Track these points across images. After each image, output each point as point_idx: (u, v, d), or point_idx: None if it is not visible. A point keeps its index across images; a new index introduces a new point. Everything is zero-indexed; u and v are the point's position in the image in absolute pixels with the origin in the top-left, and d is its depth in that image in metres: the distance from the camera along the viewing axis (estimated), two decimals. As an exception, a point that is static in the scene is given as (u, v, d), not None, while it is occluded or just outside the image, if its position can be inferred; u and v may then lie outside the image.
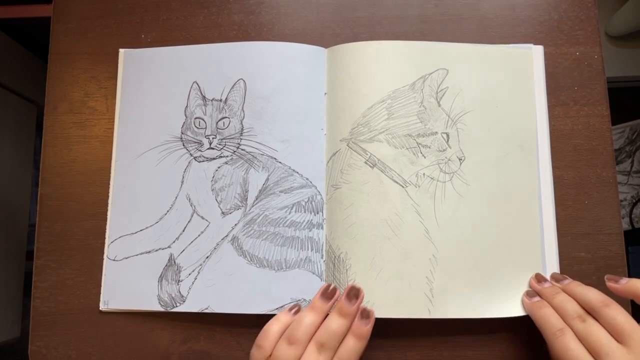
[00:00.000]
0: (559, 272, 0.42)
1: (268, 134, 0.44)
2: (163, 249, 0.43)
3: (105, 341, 0.44)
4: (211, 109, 0.45)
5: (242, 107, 0.45)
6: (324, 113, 0.44)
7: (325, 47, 0.45)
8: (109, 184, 0.45)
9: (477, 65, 0.44)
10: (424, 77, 0.43)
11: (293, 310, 0.39)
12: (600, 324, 0.35)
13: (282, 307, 0.41)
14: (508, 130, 0.43)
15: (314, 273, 0.42)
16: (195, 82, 0.45)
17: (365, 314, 0.37)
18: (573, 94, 0.46)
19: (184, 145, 0.45)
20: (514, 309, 0.40)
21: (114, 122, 0.46)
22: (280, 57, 0.45)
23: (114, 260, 0.44)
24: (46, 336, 0.44)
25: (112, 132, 0.46)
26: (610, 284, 0.37)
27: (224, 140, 0.44)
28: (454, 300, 0.40)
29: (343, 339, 0.36)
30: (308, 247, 0.42)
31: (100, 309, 0.44)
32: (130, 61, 0.47)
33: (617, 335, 0.34)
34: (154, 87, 0.46)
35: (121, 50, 0.47)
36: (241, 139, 0.44)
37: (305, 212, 0.43)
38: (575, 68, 0.46)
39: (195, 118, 0.45)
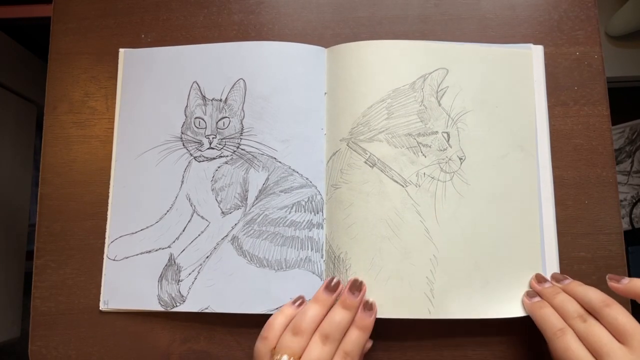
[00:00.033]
0: (559, 272, 0.42)
1: (268, 134, 0.44)
2: (163, 248, 0.43)
3: (105, 341, 0.44)
4: (211, 109, 0.45)
5: (242, 107, 0.45)
6: (324, 113, 0.44)
7: (325, 47, 0.45)
8: (109, 184, 0.45)
9: (477, 65, 0.44)
10: (424, 77, 0.43)
11: (297, 303, 0.39)
12: (602, 324, 0.35)
13: (282, 307, 0.41)
14: (508, 130, 0.43)
15: (314, 273, 0.42)
16: (195, 82, 0.45)
17: (368, 306, 0.38)
18: (573, 93, 0.46)
19: (184, 145, 0.45)
20: (514, 309, 0.40)
21: (114, 122, 0.46)
22: (280, 57, 0.45)
23: (114, 260, 0.44)
24: (46, 336, 0.44)
25: (112, 132, 0.46)
26: (611, 284, 0.37)
27: (224, 140, 0.44)
28: (454, 300, 0.40)
29: (346, 331, 0.37)
30: (308, 247, 0.42)
31: (100, 309, 0.44)
32: (130, 61, 0.47)
33: (619, 336, 0.34)
34: (154, 87, 0.46)
35: (121, 50, 0.47)
36: (241, 138, 0.44)
37: (305, 212, 0.43)
38: (575, 68, 0.46)
39: (195, 118, 0.45)
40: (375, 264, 0.41)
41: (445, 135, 0.43)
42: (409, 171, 0.42)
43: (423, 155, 0.42)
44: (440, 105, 0.43)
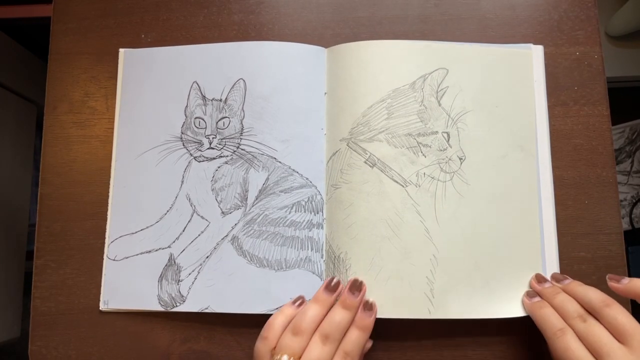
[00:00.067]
0: (559, 272, 0.42)
1: (268, 134, 0.44)
2: (163, 248, 0.43)
3: (105, 341, 0.44)
4: (211, 109, 0.45)
5: (242, 107, 0.45)
6: (324, 113, 0.44)
7: (325, 47, 0.45)
8: (109, 184, 0.45)
9: (477, 65, 0.44)
10: (424, 77, 0.43)
11: (297, 303, 0.39)
12: (602, 324, 0.35)
13: (282, 307, 0.41)
14: (508, 130, 0.43)
15: (314, 273, 0.42)
16: (195, 82, 0.45)
17: (368, 306, 0.38)
18: (573, 93, 0.46)
19: (184, 145, 0.45)
20: (514, 310, 0.40)
21: (114, 122, 0.46)
22: (280, 57, 0.45)
23: (114, 260, 0.44)
24: (46, 336, 0.44)
25: (112, 132, 0.46)
26: (612, 284, 0.37)
27: (224, 140, 0.44)
28: (455, 300, 0.40)
29: (347, 331, 0.37)
30: (308, 247, 0.42)
31: (100, 308, 0.44)
32: (130, 61, 0.47)
33: (619, 336, 0.34)
34: (154, 87, 0.46)
35: (121, 50, 0.47)
36: (241, 138, 0.44)
37: (305, 212, 0.43)
38: (575, 68, 0.46)
39: (195, 118, 0.45)
40: (375, 264, 0.41)
41: (445, 135, 0.43)
42: (409, 171, 0.42)
43: (423, 155, 0.42)
44: (440, 105, 0.43)
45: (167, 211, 0.44)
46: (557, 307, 0.37)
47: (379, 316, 0.39)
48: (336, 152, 0.43)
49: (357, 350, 0.36)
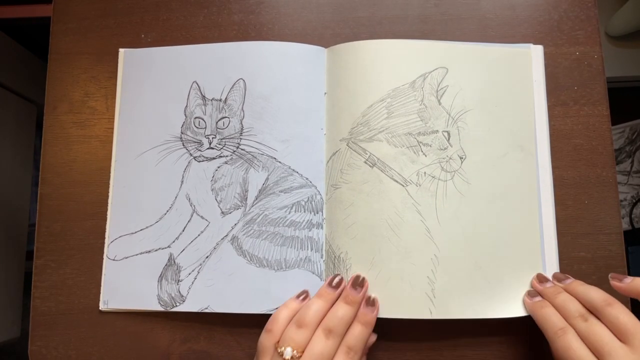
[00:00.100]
0: (559, 271, 0.42)
1: (268, 134, 0.44)
2: (163, 248, 0.43)
3: (105, 341, 0.44)
4: (211, 109, 0.45)
5: (242, 107, 0.44)
6: (323, 113, 0.44)
7: (325, 47, 0.45)
8: (109, 184, 0.45)
9: (477, 64, 0.44)
10: (424, 76, 0.43)
11: (301, 297, 0.40)
12: (603, 323, 0.35)
13: (286, 301, 0.41)
14: (507, 130, 0.43)
15: (313, 273, 0.42)
16: (195, 81, 0.45)
17: (370, 301, 0.39)
18: (573, 93, 0.46)
19: (183, 145, 0.45)
20: (515, 309, 0.40)
21: (114, 122, 0.46)
22: (280, 57, 0.45)
23: (113, 260, 0.44)
24: (46, 336, 0.44)
25: (112, 132, 0.46)
26: (614, 283, 0.37)
27: (223, 140, 0.44)
28: (456, 300, 0.40)
29: (349, 326, 0.37)
30: (308, 247, 0.42)
31: (100, 308, 0.44)
32: (130, 61, 0.47)
33: (620, 335, 0.34)
34: (154, 87, 0.46)
35: (121, 50, 0.47)
36: (241, 138, 0.44)
37: (305, 211, 0.43)
38: (575, 68, 0.46)
39: (195, 118, 0.45)
40: (376, 264, 0.41)
41: (446, 134, 0.43)
42: (409, 170, 0.42)
43: (423, 154, 0.42)
44: (440, 104, 0.43)
45: (167, 211, 0.44)
46: (558, 307, 0.37)
47: (379, 316, 0.39)
48: (336, 152, 0.43)
49: (360, 345, 0.37)
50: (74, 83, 0.48)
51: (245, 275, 0.42)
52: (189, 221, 0.44)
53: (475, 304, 0.40)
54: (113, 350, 0.44)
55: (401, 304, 0.40)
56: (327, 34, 0.47)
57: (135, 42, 0.48)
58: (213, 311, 0.42)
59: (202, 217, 0.43)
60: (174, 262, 0.43)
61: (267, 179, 0.43)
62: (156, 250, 0.43)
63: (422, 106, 0.43)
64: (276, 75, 0.45)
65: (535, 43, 0.46)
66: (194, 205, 0.44)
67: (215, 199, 0.44)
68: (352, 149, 0.42)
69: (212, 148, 0.44)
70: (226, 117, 0.44)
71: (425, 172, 0.42)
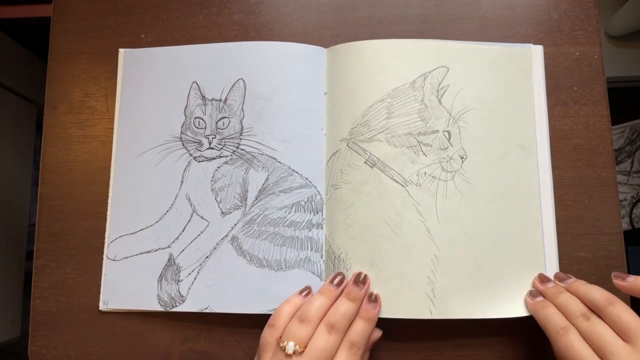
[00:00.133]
0: (559, 271, 0.42)
1: (268, 134, 0.44)
2: (163, 248, 0.43)
3: (105, 341, 0.44)
4: (211, 109, 0.45)
5: (242, 107, 0.44)
6: (323, 113, 0.44)
7: (325, 47, 0.45)
8: (109, 184, 0.45)
9: (477, 64, 0.44)
10: (425, 75, 0.43)
11: (304, 293, 0.40)
12: (605, 323, 0.35)
13: (289, 297, 0.41)
14: (508, 130, 0.43)
15: (313, 273, 0.42)
16: (195, 82, 0.45)
17: (372, 298, 0.39)
18: (573, 93, 0.46)
19: (183, 145, 0.45)
20: (516, 309, 0.40)
21: (114, 122, 0.46)
22: (280, 57, 0.45)
23: (113, 260, 0.44)
24: (46, 336, 0.44)
25: (112, 132, 0.46)
26: (617, 282, 0.37)
27: (223, 140, 0.44)
28: (456, 300, 0.40)
29: (352, 322, 0.37)
30: (308, 247, 0.42)
31: (100, 308, 0.44)
32: (130, 61, 0.47)
33: (623, 334, 0.34)
34: (154, 87, 0.46)
35: (121, 50, 0.47)
36: (241, 138, 0.44)
37: (304, 212, 0.43)
38: (575, 68, 0.46)
39: (195, 118, 0.45)
40: (376, 264, 0.41)
41: (446, 134, 0.43)
42: (409, 170, 0.42)
43: (424, 154, 0.42)
44: (441, 103, 0.43)
45: (167, 211, 0.44)
46: (560, 306, 0.37)
47: (380, 316, 0.39)
48: (336, 152, 0.43)
49: (362, 341, 0.37)
50: (74, 83, 0.48)
51: (245, 276, 0.42)
52: (188, 221, 0.44)
53: (476, 304, 0.40)
54: (113, 350, 0.44)
55: (401, 304, 0.40)
56: (327, 34, 0.47)
57: (135, 42, 0.48)
58: (213, 311, 0.42)
59: (202, 217, 0.43)
60: (174, 262, 0.43)
61: (267, 179, 0.43)
62: (156, 251, 0.43)
63: (423, 106, 0.43)
64: (276, 75, 0.45)
65: (535, 43, 0.46)
66: (194, 206, 0.44)
67: (215, 199, 0.44)
68: (352, 149, 0.42)
69: (212, 148, 0.44)
70: (226, 117, 0.44)
71: (425, 172, 0.42)
